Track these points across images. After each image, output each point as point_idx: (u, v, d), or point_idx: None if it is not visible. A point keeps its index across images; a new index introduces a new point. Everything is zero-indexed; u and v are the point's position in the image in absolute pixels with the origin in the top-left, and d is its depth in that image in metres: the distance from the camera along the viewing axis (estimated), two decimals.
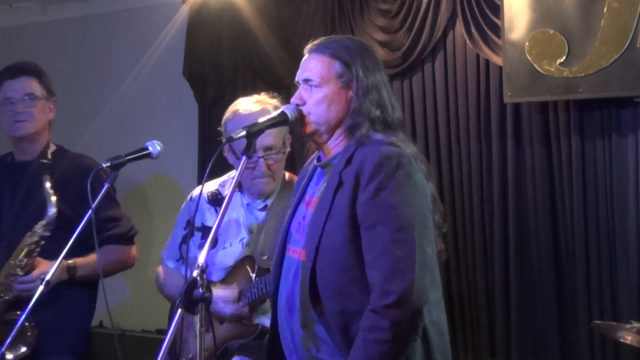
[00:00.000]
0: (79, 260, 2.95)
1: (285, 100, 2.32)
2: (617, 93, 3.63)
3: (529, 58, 3.75)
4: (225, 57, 4.82)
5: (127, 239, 3.14)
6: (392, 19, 4.26)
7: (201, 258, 1.89)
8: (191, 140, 5.00)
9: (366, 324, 1.98)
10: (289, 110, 2.17)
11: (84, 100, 5.37)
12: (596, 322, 3.27)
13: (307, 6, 4.53)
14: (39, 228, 2.87)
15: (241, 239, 2.77)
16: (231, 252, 2.77)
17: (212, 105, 4.88)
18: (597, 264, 3.76)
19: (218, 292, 2.62)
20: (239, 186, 2.79)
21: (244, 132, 2.09)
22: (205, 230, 2.81)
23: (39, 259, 2.89)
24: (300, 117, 2.16)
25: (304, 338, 2.13)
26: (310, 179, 2.28)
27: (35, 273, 2.86)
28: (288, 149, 2.78)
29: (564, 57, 3.69)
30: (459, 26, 4.06)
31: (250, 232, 2.78)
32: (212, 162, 2.08)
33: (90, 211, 2.24)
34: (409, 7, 4.19)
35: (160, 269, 2.96)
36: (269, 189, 2.76)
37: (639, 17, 3.53)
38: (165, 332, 2.46)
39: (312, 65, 2.17)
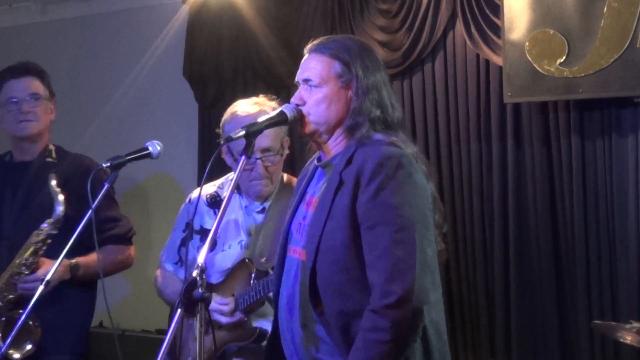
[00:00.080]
0: (81, 260, 2.96)
1: (285, 101, 2.32)
2: (617, 93, 3.63)
3: (529, 58, 3.74)
4: (225, 57, 4.82)
5: (126, 239, 3.15)
6: (392, 19, 4.26)
7: (200, 258, 1.89)
8: (191, 140, 5.00)
9: (366, 324, 1.98)
10: (288, 110, 2.17)
11: (84, 100, 5.37)
12: (596, 322, 3.27)
13: (307, 6, 4.53)
14: (46, 226, 2.86)
15: (240, 241, 2.77)
16: (230, 254, 2.76)
17: (212, 105, 4.88)
18: (597, 264, 3.76)
19: (213, 304, 2.59)
20: (237, 188, 2.78)
21: (243, 132, 2.09)
22: (204, 232, 2.81)
23: (43, 258, 2.89)
24: (300, 117, 2.16)
25: (304, 338, 2.13)
26: (310, 179, 2.27)
27: (40, 272, 2.86)
28: (286, 151, 2.77)
29: (564, 57, 3.69)
30: (459, 26, 4.06)
31: (248, 234, 2.77)
32: (210, 164, 2.08)
33: (90, 211, 2.25)
34: (409, 7, 4.19)
35: (158, 272, 2.95)
36: (267, 191, 2.75)
37: (639, 17, 3.52)
38: (165, 332, 2.46)
39: (312, 65, 2.17)
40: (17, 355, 2.84)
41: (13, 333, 2.32)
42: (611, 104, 3.72)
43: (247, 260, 2.70)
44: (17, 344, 2.82)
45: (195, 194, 2.89)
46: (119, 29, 5.33)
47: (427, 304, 2.01)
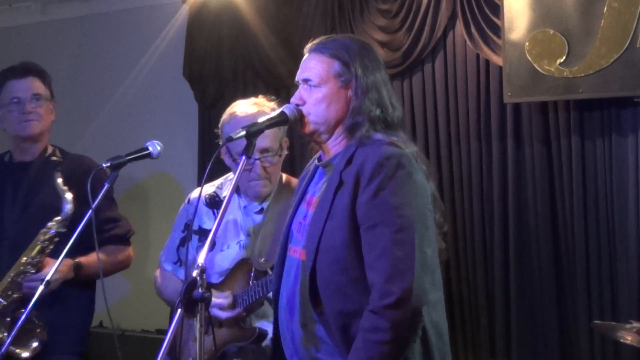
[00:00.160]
0: (83, 259, 2.96)
1: (285, 101, 2.32)
2: (617, 93, 3.63)
3: (529, 58, 3.75)
4: (225, 57, 4.82)
5: (125, 239, 3.16)
6: (392, 19, 4.26)
7: (200, 258, 1.89)
8: (191, 140, 5.00)
9: (366, 324, 1.98)
10: (288, 110, 2.17)
11: (84, 100, 5.37)
12: (596, 322, 3.27)
13: (307, 6, 4.53)
14: (54, 225, 2.86)
15: (239, 242, 2.77)
16: (229, 254, 2.76)
17: (212, 105, 4.88)
18: (597, 264, 3.76)
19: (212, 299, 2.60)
20: (236, 188, 2.78)
21: (243, 132, 2.09)
22: (203, 233, 2.80)
23: (47, 258, 2.89)
24: (300, 117, 2.16)
25: (304, 338, 2.13)
26: (311, 179, 2.28)
27: (45, 271, 2.85)
28: (285, 152, 2.77)
29: (564, 57, 3.69)
30: (459, 26, 4.06)
31: (248, 234, 2.77)
32: (210, 165, 2.08)
33: (90, 211, 2.24)
34: (409, 7, 4.19)
35: (158, 272, 2.95)
36: (265, 191, 2.75)
37: (639, 17, 3.53)
38: (165, 332, 2.46)
39: (312, 65, 2.17)
40: (25, 354, 2.84)
41: (13, 333, 2.32)
42: (611, 104, 3.72)
43: (246, 260, 2.70)
44: (23, 343, 2.82)
45: (194, 194, 2.89)
46: (119, 29, 5.33)
47: (427, 304, 2.00)
